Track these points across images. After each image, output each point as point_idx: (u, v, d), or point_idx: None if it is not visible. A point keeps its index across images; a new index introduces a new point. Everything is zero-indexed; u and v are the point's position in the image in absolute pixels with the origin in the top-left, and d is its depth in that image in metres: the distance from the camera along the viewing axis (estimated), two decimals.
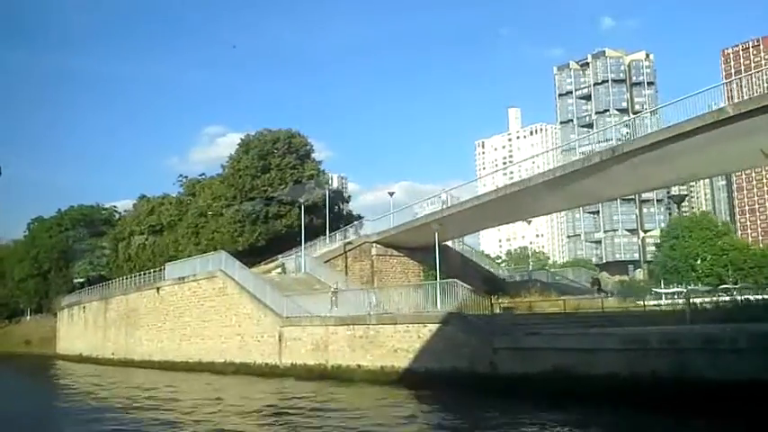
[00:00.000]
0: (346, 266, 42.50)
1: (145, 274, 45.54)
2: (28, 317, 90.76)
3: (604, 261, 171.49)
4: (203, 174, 66.45)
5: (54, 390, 31.52)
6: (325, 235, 46.27)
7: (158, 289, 41.26)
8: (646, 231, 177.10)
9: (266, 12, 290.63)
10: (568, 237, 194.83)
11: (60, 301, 65.65)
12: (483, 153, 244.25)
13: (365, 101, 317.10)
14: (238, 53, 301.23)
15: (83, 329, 54.13)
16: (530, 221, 78.36)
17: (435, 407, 18.90)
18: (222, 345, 34.51)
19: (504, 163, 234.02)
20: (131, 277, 48.53)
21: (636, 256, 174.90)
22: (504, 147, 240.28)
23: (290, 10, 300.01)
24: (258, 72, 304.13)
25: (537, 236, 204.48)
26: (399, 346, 23.78)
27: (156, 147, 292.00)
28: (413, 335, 23.30)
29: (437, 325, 22.35)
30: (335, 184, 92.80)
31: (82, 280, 63.99)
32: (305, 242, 46.42)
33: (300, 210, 47.39)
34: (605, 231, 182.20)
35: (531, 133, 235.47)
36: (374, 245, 43.41)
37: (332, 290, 31.07)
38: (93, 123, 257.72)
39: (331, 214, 50.52)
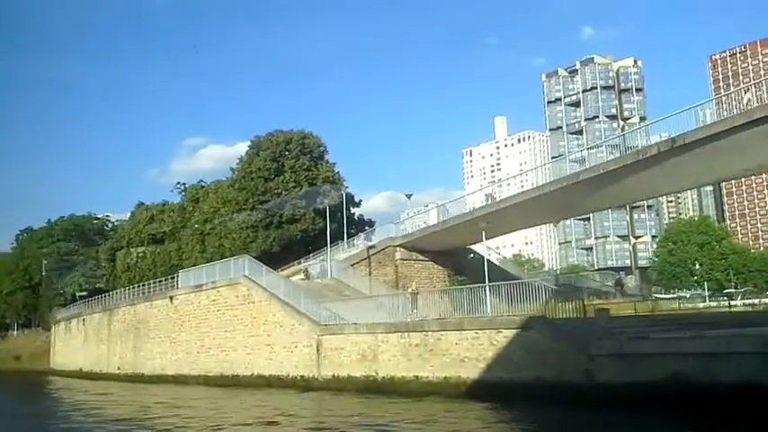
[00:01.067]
0: (370, 271, 40.22)
1: (154, 283, 42.81)
2: (15, 332, 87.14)
3: (596, 268, 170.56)
4: (201, 180, 64.02)
5: (69, 411, 28.08)
6: (343, 240, 44.08)
7: (171, 298, 38.58)
8: (637, 237, 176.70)
9: (248, 23, 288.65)
10: (560, 244, 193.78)
11: (55, 315, 62.50)
12: (471, 161, 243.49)
13: (349, 112, 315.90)
14: (221, 63, 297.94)
15: (82, 343, 51.12)
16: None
17: (531, 425, 16.71)
18: (248, 356, 31.95)
19: (492, 171, 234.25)
20: (138, 287, 45.73)
21: (627, 262, 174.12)
22: (491, 155, 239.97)
23: (274, 21, 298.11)
24: (240, 83, 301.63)
25: (526, 243, 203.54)
26: (467, 354, 21.46)
27: (136, 158, 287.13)
28: (484, 342, 21.00)
29: (515, 330, 20.08)
30: None
31: (84, 293, 60.80)
32: (322, 247, 44.35)
33: (315, 214, 45.41)
34: (596, 238, 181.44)
35: (519, 141, 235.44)
36: (398, 249, 41.27)
37: (410, 291, 28.68)
38: (71, 133, 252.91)
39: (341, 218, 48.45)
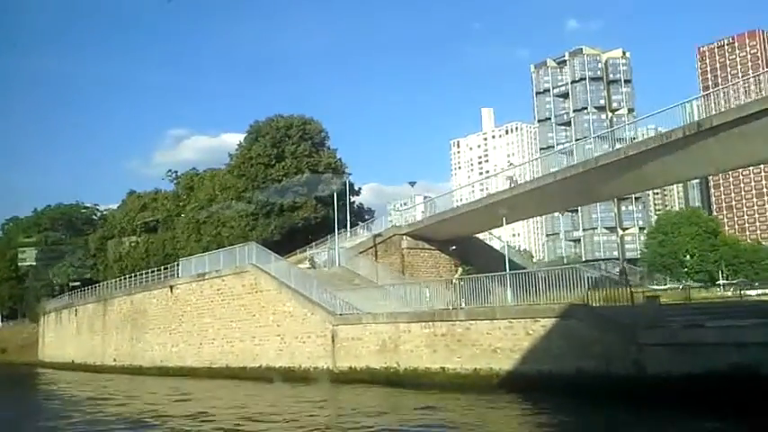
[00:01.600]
0: (376, 260, 39.05)
1: (152, 272, 41.32)
2: (0, 323, 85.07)
3: (584, 259, 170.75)
4: (194, 168, 62.35)
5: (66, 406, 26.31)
6: (346, 228, 42.87)
7: (172, 288, 37.17)
8: (624, 230, 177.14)
9: (235, 14, 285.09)
10: (547, 236, 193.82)
11: (44, 305, 60.72)
12: (458, 152, 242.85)
13: (333, 103, 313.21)
14: (205, 55, 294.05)
15: (75, 334, 49.50)
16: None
17: (575, 419, 15.74)
18: (256, 347, 30.73)
19: (480, 162, 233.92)
20: (134, 276, 44.21)
21: (615, 253, 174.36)
22: (479, 146, 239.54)
23: (259, 12, 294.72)
24: (224, 75, 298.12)
25: (513, 235, 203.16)
26: (500, 345, 20.41)
27: (117, 148, 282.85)
28: (518, 332, 19.97)
29: (554, 320, 19.06)
30: None
31: (77, 283, 59.03)
32: (325, 235, 43.22)
33: (317, 202, 44.18)
34: (584, 230, 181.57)
35: (507, 132, 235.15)
36: (404, 237, 40.08)
37: (455, 278, 27.45)
38: (52, 124, 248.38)
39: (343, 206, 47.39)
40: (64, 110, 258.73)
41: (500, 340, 20.43)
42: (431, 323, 22.91)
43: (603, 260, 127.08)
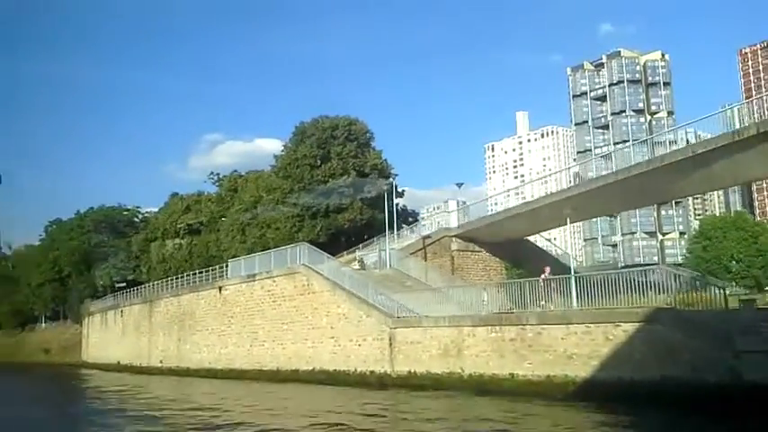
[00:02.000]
0: (425, 262, 38.22)
1: (200, 273, 41.06)
2: (43, 324, 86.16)
3: (622, 264, 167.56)
4: (236, 170, 62.28)
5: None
6: (393, 230, 42.11)
7: (220, 288, 36.81)
8: (664, 234, 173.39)
9: (267, 21, 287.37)
10: (585, 240, 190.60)
11: (87, 306, 61.09)
12: (493, 156, 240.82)
13: (367, 107, 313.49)
14: (239, 62, 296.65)
15: (120, 335, 49.59)
16: None
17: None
18: (309, 350, 30.09)
19: (515, 167, 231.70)
20: (181, 278, 44.04)
21: (655, 258, 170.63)
22: (514, 150, 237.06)
23: (293, 20, 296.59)
24: (259, 79, 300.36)
25: (548, 240, 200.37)
26: (576, 350, 19.39)
27: (153, 153, 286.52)
28: (597, 337, 18.93)
29: (637, 324, 17.99)
30: None
31: (123, 284, 59.20)
32: (370, 237, 42.61)
33: (362, 203, 43.57)
34: (623, 234, 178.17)
35: (543, 136, 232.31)
36: (454, 239, 39.19)
37: (542, 277, 25.58)
38: (89, 130, 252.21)
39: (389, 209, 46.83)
40: (103, 116, 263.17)
41: (576, 346, 19.41)
42: (498, 327, 22.00)
43: (644, 266, 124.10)
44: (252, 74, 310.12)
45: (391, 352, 25.75)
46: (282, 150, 49.39)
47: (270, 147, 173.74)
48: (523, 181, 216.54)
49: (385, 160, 48.28)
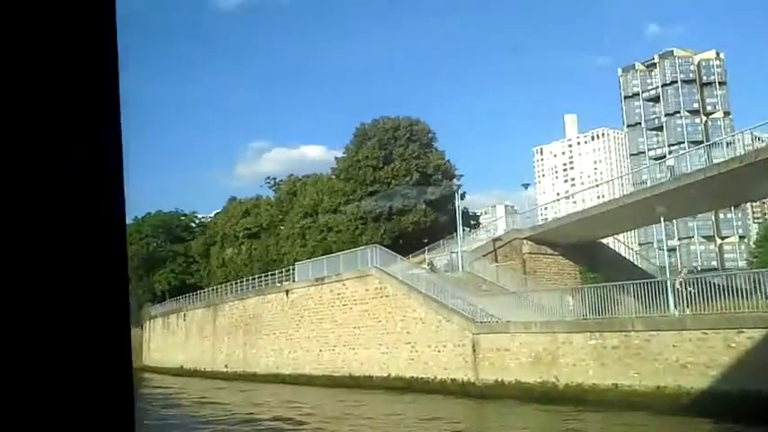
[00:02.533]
0: (496, 265, 36.89)
1: (266, 276, 40.52)
2: None
3: (680, 269, 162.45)
4: (292, 174, 62.00)
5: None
6: (458, 232, 40.92)
7: (287, 292, 36.13)
8: (723, 238, 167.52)
9: (314, 27, 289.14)
10: (640, 245, 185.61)
11: (148, 310, 61.41)
12: (542, 160, 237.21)
13: (412, 111, 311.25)
14: (286, 69, 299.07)
15: (183, 340, 49.48)
16: None
17: None
18: (383, 355, 29.05)
19: (565, 170, 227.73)
20: (244, 281, 43.62)
21: (713, 263, 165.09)
22: (563, 153, 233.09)
23: (333, 26, 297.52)
24: (303, 88, 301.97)
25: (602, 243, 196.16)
26: (690, 359, 17.89)
27: (201, 161, 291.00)
28: (716, 344, 17.40)
29: (764, 330, 16.41)
30: None
31: (188, 290, 59.41)
32: (435, 240, 41.46)
33: (426, 205, 42.50)
34: (680, 239, 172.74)
35: (593, 138, 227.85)
36: (526, 242, 37.75)
37: (678, 279, 24.01)
38: (141, 139, 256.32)
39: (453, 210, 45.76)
40: (154, 125, 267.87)
41: (691, 354, 17.90)
42: (598, 334, 20.60)
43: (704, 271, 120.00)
44: (298, 81, 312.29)
45: (475, 359, 24.53)
46: (343, 153, 48.67)
47: (314, 153, 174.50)
48: (573, 185, 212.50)
49: (448, 161, 47.10)
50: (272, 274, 40.02)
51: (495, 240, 37.64)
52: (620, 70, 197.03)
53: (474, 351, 24.62)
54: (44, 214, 0.88)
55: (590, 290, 25.30)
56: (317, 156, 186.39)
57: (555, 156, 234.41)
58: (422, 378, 26.64)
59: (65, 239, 0.89)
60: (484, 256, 36.20)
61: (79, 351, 0.90)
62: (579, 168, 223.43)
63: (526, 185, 44.75)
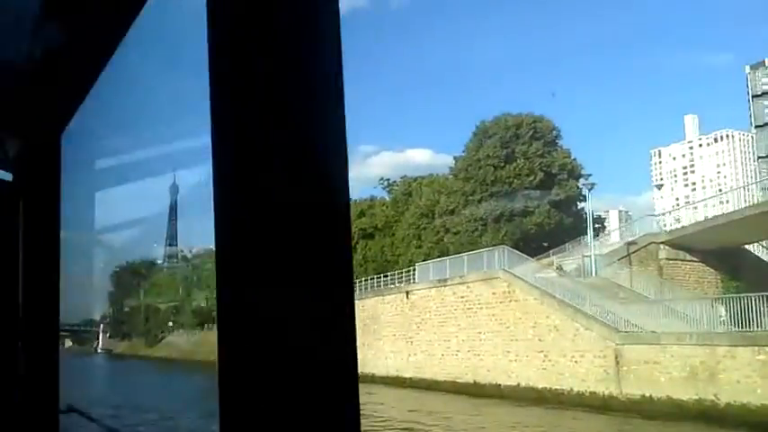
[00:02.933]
0: (630, 272, 34.50)
1: (385, 276, 40.02)
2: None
3: None
4: (405, 175, 61.50)
5: None
6: (587, 235, 38.71)
7: (408, 293, 35.36)
8: None
9: (420, 31, 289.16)
10: None
11: None
12: (660, 162, 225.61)
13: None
14: (393, 73, 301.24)
15: None
16: None
17: None
18: (511, 363, 27.62)
19: (685, 173, 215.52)
20: (363, 281, 43.36)
21: None
22: (683, 155, 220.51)
23: (443, 28, 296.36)
24: (409, 90, 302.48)
25: None
26: None
27: None
28: None
29: None
30: None
31: None
32: (559, 243, 39.53)
33: (550, 206, 40.61)
34: None
35: (716, 140, 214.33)
36: (662, 246, 35.12)
37: None
38: None
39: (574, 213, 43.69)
40: None
41: None
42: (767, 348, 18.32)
43: None
44: (402, 84, 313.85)
45: (618, 371, 22.68)
46: (463, 151, 47.44)
47: (421, 157, 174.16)
48: (695, 189, 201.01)
49: (574, 159, 44.87)
50: (390, 275, 39.42)
51: (629, 244, 35.22)
52: (747, 68, 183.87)
53: (617, 363, 22.78)
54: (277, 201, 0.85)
55: (748, 299, 22.81)
56: (424, 160, 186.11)
57: (674, 158, 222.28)
58: (556, 389, 25.04)
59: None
60: (619, 260, 33.94)
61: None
62: (701, 172, 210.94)
63: (660, 186, 41.79)
